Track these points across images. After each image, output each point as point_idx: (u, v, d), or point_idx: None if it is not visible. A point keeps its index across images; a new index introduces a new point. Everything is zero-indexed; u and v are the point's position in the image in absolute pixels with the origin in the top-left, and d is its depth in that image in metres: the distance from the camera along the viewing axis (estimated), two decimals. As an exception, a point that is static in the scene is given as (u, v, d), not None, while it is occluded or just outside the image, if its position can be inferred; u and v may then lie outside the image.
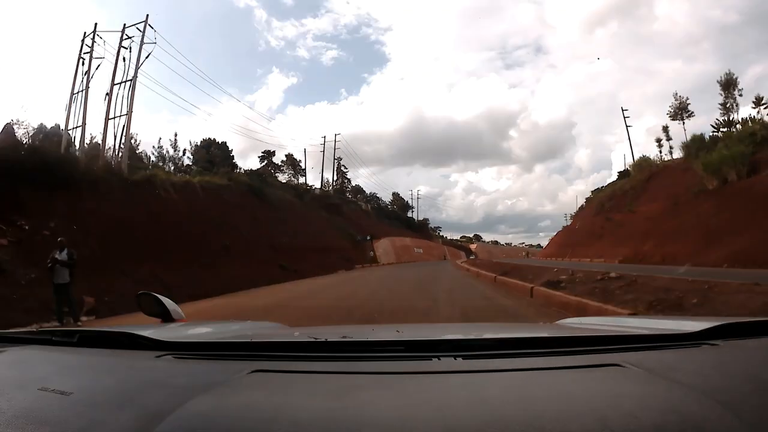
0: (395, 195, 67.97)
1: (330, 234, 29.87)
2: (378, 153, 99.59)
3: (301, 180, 44.93)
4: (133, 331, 0.98)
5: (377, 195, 61.53)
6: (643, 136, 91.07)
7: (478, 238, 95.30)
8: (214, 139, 34.11)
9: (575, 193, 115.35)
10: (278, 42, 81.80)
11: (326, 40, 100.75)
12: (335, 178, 51.62)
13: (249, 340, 1.02)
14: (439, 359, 0.83)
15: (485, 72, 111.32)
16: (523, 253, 69.40)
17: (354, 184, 54.67)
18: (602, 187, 45.83)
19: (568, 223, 49.52)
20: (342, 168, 51.89)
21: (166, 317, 1.35)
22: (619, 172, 41.59)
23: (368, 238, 36.61)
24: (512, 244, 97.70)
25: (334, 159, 46.94)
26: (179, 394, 0.63)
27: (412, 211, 70.29)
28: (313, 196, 39.01)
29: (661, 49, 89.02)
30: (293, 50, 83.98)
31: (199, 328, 1.32)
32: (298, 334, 1.11)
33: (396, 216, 62.68)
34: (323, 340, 0.93)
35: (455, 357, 0.84)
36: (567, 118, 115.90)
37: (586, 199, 48.21)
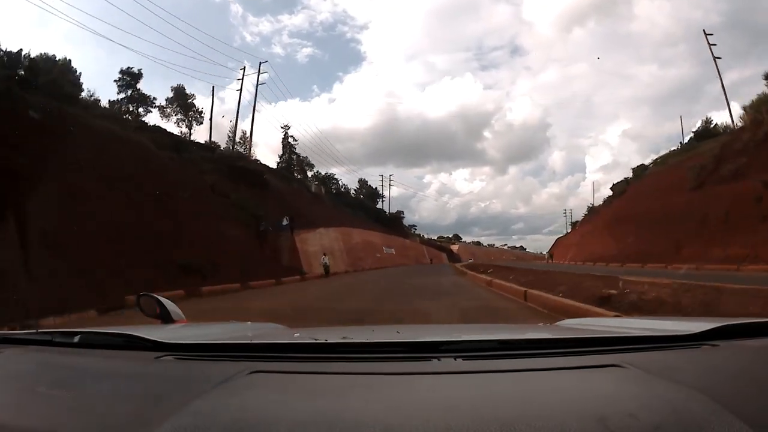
0: (362, 182, 52.19)
1: (198, 212, 13.78)
2: (350, 151, 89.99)
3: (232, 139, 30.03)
4: (133, 333, 0.98)
5: (334, 175, 45.75)
6: (618, 139, 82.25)
7: (458, 238, 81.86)
8: (53, 54, 18.44)
9: (578, 183, 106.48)
10: (253, 37, 69.94)
11: (301, 37, 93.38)
12: (282, 154, 37.50)
13: (249, 341, 1.01)
14: (439, 360, 0.83)
15: (460, 72, 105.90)
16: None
17: (304, 156, 39.07)
18: (656, 160, 33.07)
19: (575, 221, 37.27)
20: (291, 140, 36.82)
21: (166, 318, 1.36)
22: (695, 132, 30.05)
23: (285, 222, 19.60)
24: (495, 245, 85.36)
25: (256, 95, 31.11)
26: (179, 395, 0.64)
27: (383, 200, 54.85)
28: (217, 157, 22.85)
29: (639, 52, 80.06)
30: (268, 46, 72.15)
31: (199, 329, 1.32)
32: (298, 335, 1.09)
33: (360, 204, 47.02)
34: (323, 341, 0.92)
35: (455, 358, 0.84)
36: (542, 120, 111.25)
37: (626, 179, 37.91)
